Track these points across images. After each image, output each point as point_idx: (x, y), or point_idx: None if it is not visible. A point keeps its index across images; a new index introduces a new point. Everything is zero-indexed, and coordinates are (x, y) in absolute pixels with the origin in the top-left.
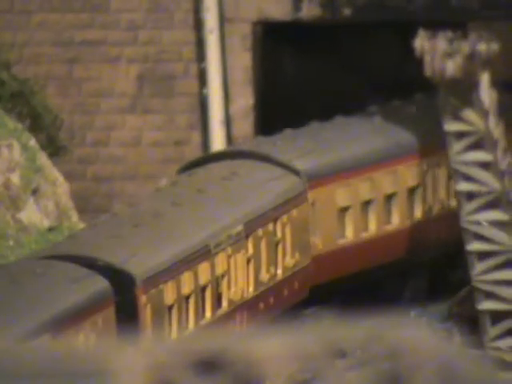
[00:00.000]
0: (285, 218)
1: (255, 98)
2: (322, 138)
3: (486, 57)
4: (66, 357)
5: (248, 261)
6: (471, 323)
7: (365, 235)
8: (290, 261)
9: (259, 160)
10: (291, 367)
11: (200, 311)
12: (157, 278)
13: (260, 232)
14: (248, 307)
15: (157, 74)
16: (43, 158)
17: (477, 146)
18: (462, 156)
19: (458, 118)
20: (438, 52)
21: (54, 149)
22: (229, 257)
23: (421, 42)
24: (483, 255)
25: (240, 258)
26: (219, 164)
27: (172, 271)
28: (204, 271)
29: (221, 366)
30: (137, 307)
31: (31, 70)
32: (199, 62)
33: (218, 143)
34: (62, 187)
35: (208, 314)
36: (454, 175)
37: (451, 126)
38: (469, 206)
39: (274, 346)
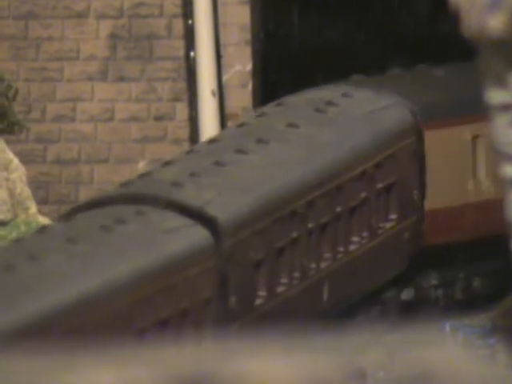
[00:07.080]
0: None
1: (254, 62)
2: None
3: None
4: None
5: None
6: None
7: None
8: None
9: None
10: None
11: None
12: None
13: None
14: None
15: (133, 33)
16: None
17: None
18: (508, 133)
19: (503, 86)
20: (477, 4)
21: (7, 125)
22: None
23: None
24: None
25: None
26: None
27: None
28: None
29: None
30: None
31: None
32: (185, 18)
33: (208, 117)
34: (17, 172)
35: None
36: (497, 157)
37: (494, 97)
38: None
39: (276, 369)
